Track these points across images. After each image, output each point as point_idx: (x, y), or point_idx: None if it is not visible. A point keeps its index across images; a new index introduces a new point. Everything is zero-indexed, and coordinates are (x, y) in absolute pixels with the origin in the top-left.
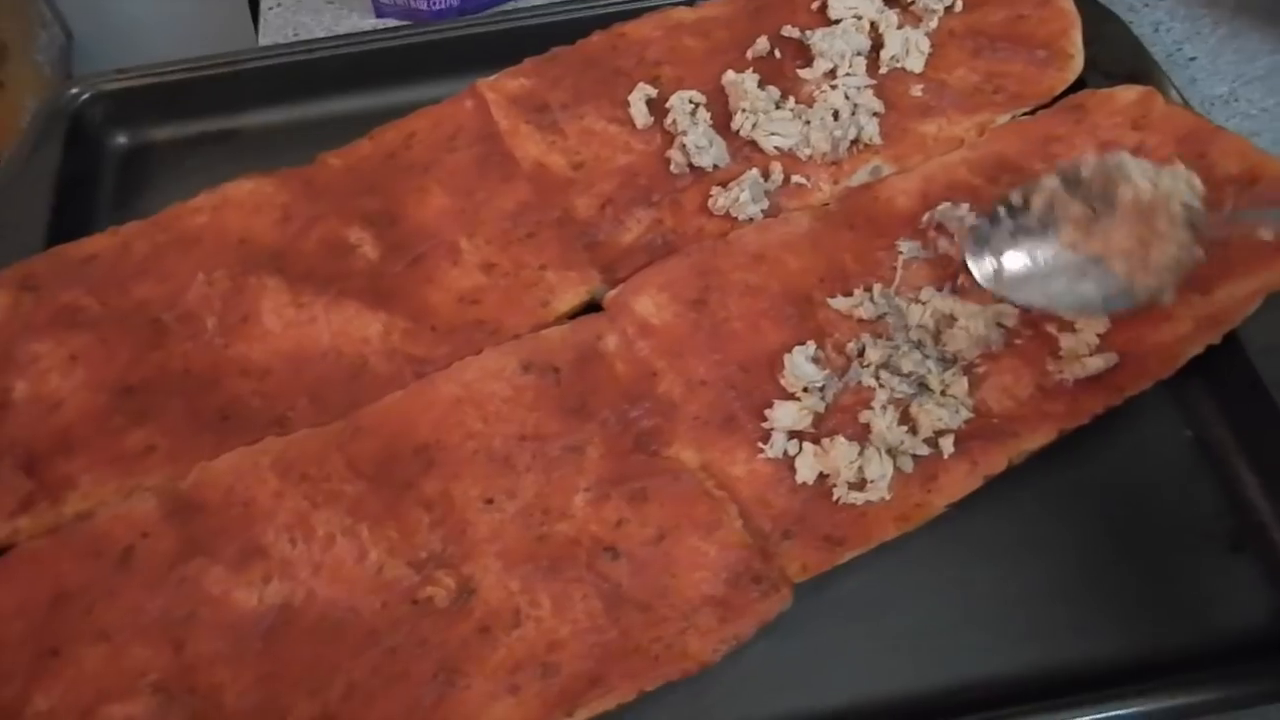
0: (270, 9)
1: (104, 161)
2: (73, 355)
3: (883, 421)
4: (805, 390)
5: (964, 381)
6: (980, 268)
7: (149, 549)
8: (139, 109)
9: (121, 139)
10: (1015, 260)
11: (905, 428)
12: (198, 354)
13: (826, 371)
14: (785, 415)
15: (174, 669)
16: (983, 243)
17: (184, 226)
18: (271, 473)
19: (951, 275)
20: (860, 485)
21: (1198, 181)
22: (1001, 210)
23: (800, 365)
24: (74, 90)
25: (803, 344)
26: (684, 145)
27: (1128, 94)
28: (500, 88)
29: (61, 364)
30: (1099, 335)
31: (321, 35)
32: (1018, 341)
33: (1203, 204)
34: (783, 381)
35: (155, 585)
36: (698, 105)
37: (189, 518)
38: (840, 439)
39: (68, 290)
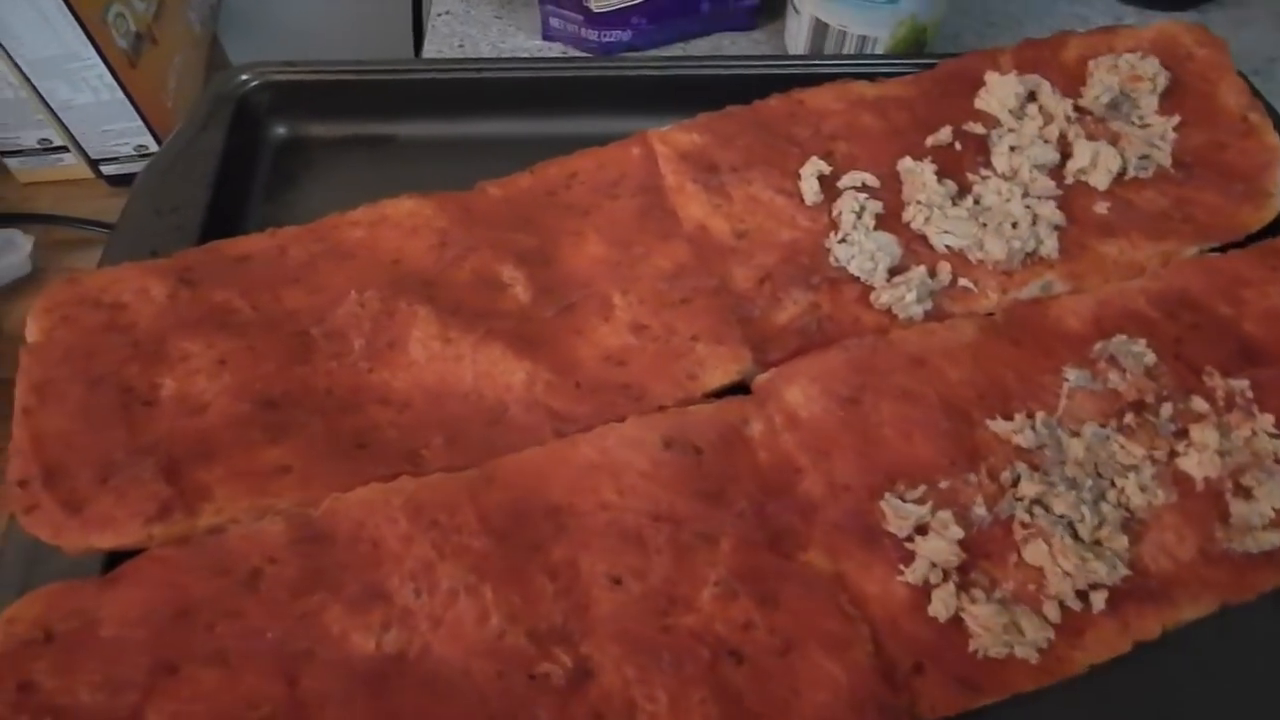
0: (439, 15)
1: (261, 150)
2: (221, 359)
3: (1034, 563)
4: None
5: (1124, 536)
6: None
7: (275, 575)
8: (302, 103)
9: (281, 130)
10: None
11: (1057, 575)
12: (341, 374)
13: (929, 505)
14: (935, 550)
15: (286, 705)
16: None
17: (340, 238)
18: (402, 514)
19: (1118, 412)
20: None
21: None
22: None
23: (899, 506)
24: (243, 76)
25: (895, 489)
26: (846, 247)
27: None
28: (671, 140)
29: (210, 366)
30: (1276, 509)
31: (487, 49)
32: (1184, 499)
33: None
34: (887, 526)
35: (277, 614)
36: (865, 208)
37: (316, 548)
38: (990, 605)
39: (222, 290)
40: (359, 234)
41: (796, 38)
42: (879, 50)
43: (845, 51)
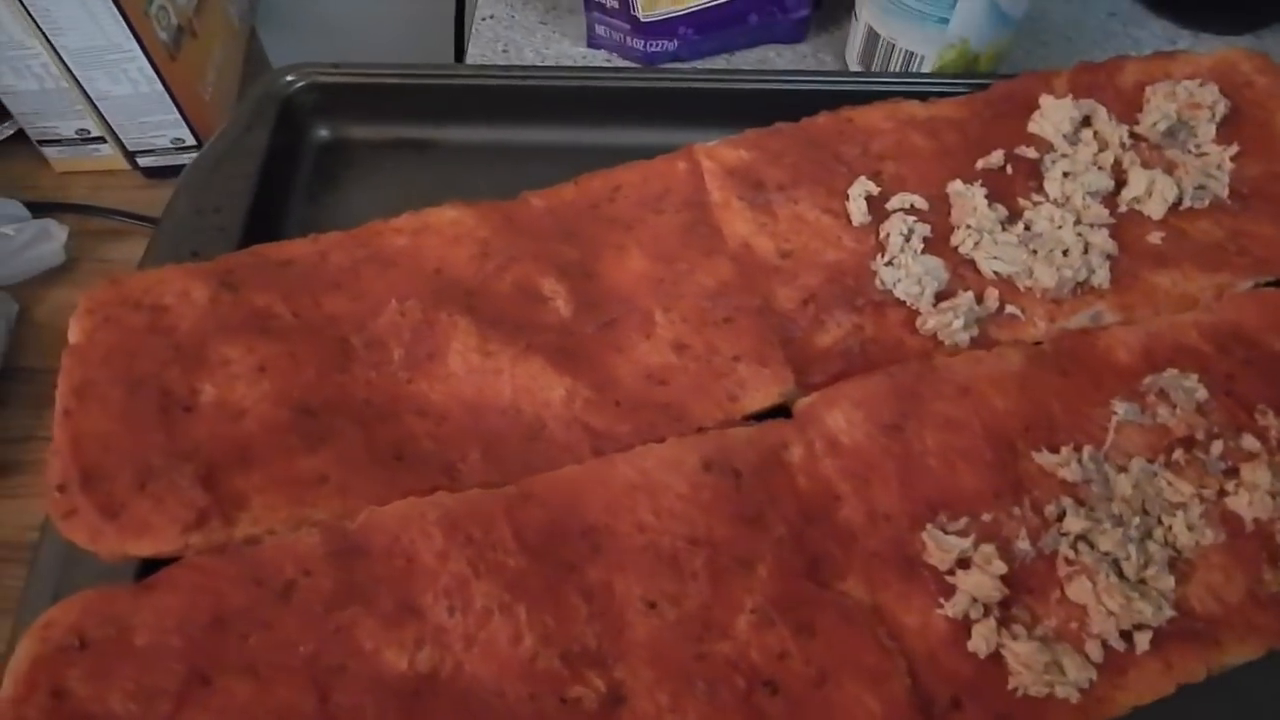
0: (483, 19)
1: (303, 151)
2: (261, 365)
3: (1077, 600)
4: (985, 563)
5: (1170, 576)
6: None
7: (310, 587)
8: (346, 105)
9: (323, 131)
10: None
11: (1101, 614)
12: (380, 384)
13: (972, 538)
14: (976, 585)
15: None
16: None
17: (382, 245)
18: (438, 529)
19: (1167, 448)
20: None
21: None
22: None
23: (941, 538)
24: (289, 77)
25: (937, 520)
26: (892, 270)
27: None
28: (717, 156)
29: (249, 372)
30: None
31: (531, 55)
32: (1233, 540)
33: None
34: (928, 557)
35: (310, 627)
36: (913, 231)
37: (352, 561)
38: (1031, 642)
39: (263, 294)
40: (401, 241)
41: (852, 45)
42: (925, 69)
43: (892, 66)
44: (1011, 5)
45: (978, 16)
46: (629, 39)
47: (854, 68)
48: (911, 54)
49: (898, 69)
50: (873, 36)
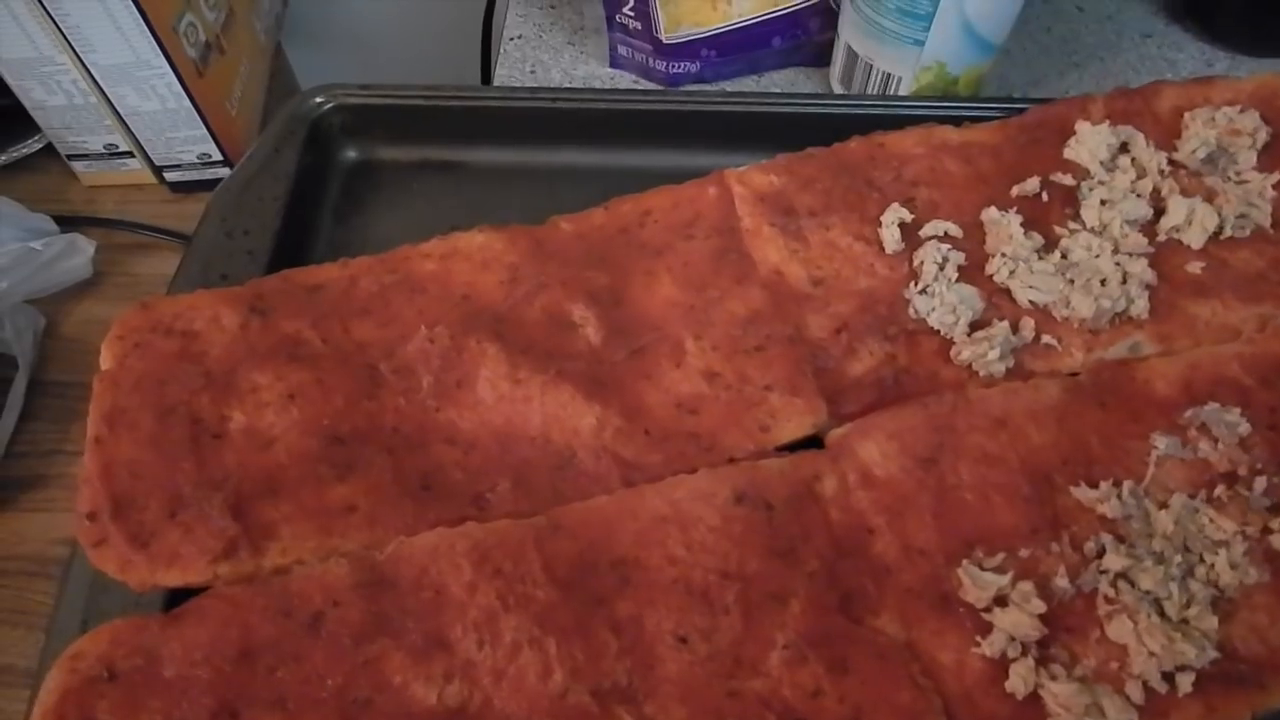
0: (511, 40)
1: (332, 173)
2: (290, 393)
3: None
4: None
5: (1213, 617)
6: None
7: (338, 618)
8: (374, 126)
9: (351, 152)
10: None
11: (1142, 654)
12: (409, 412)
13: (1009, 575)
14: (1014, 624)
15: None
16: None
17: (411, 270)
18: (467, 561)
19: (1209, 483)
20: None
21: None
22: None
23: (977, 575)
24: (318, 99)
25: (973, 555)
26: (926, 298)
27: None
28: (748, 181)
29: (279, 400)
30: None
31: (559, 75)
32: (1277, 579)
33: None
34: (964, 594)
35: (338, 659)
36: (947, 259)
37: (380, 593)
38: (1071, 683)
39: (293, 320)
40: (430, 266)
41: (834, 65)
42: (903, 90)
43: (871, 86)
44: (989, 30)
45: (952, 40)
46: (651, 60)
47: (836, 88)
48: (889, 75)
49: (876, 90)
50: (852, 56)
